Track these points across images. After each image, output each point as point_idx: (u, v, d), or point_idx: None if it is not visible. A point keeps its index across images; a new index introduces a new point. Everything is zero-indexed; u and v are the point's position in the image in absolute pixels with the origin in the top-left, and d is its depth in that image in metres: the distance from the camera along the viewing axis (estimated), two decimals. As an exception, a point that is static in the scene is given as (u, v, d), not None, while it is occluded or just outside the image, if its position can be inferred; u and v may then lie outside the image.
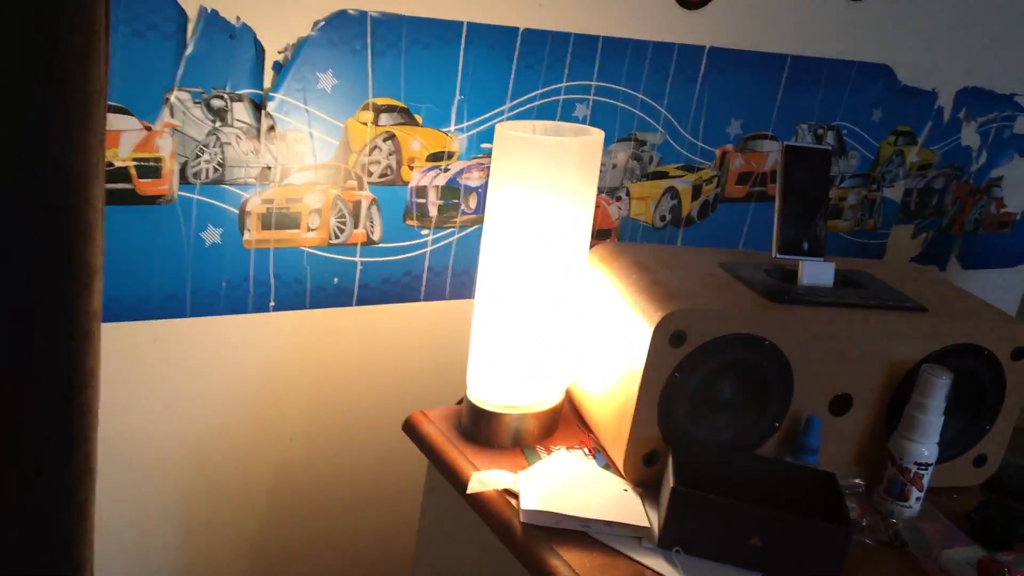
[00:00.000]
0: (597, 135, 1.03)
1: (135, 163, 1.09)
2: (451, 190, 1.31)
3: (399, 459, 1.40)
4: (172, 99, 1.09)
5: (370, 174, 1.25)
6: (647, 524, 0.95)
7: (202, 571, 1.34)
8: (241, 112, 1.14)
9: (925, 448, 1.02)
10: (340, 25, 1.15)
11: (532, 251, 1.02)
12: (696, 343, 0.97)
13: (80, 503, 0.74)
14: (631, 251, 1.15)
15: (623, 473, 1.03)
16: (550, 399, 1.10)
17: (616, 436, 1.03)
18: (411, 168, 1.27)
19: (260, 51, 1.12)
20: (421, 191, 1.29)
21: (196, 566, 1.33)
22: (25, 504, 0.71)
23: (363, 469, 1.41)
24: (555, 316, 1.06)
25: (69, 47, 0.63)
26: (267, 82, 1.14)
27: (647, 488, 1.02)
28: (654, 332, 0.95)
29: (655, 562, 0.91)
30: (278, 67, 1.14)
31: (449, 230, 1.33)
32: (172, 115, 1.10)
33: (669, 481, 0.92)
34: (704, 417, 1.01)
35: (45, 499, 0.71)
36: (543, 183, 0.99)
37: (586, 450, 1.09)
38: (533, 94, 1.32)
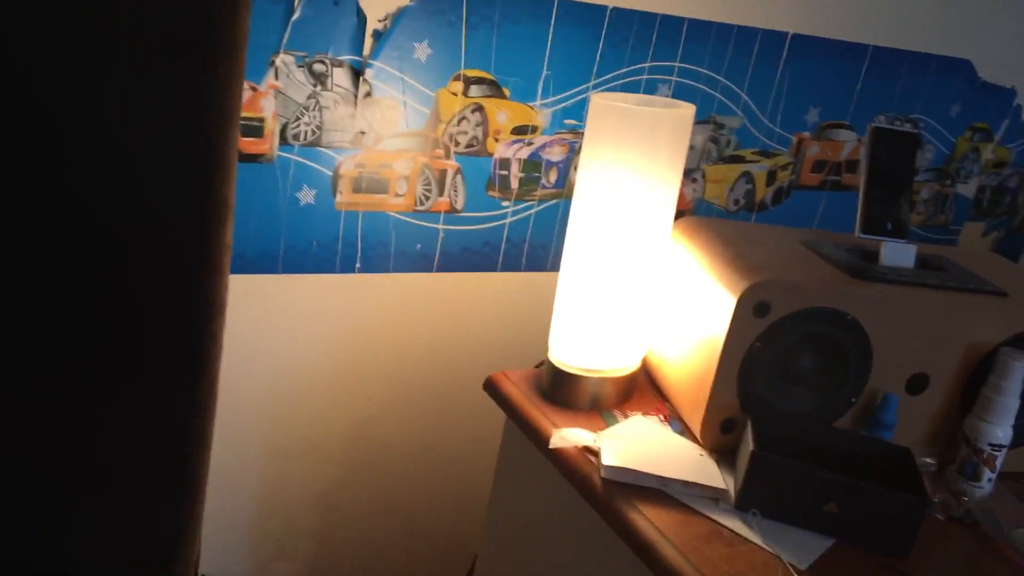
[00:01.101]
0: (688, 108, 1.05)
1: (240, 122, 1.14)
2: (533, 164, 1.35)
3: (472, 421, 1.45)
4: (277, 62, 1.14)
5: (457, 144, 1.28)
6: (724, 486, 0.97)
7: (278, 519, 1.39)
8: (340, 77, 1.18)
9: (1000, 430, 1.03)
10: (439, -2, 1.19)
11: (620, 219, 1.05)
12: (779, 314, 0.99)
13: (201, 427, 0.78)
14: (713, 226, 1.18)
15: (700, 439, 1.05)
16: (629, 365, 1.13)
17: (695, 403, 1.05)
18: (496, 140, 1.31)
19: (362, 19, 1.16)
20: (504, 163, 1.33)
21: (272, 514, 1.38)
22: (151, 423, 0.76)
23: (437, 429, 1.45)
24: (638, 284, 1.09)
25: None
26: (366, 49, 1.18)
27: (722, 455, 1.04)
28: (738, 302, 0.98)
29: (732, 522, 0.94)
30: (377, 35, 1.18)
31: (529, 203, 1.37)
32: (277, 77, 1.14)
33: (749, 445, 0.95)
34: (782, 388, 1.04)
35: (171, 418, 0.76)
36: (635, 152, 1.02)
37: (661, 417, 1.12)
38: (618, 72, 1.35)
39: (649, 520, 0.92)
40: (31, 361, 0.70)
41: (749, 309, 0.98)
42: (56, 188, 0.66)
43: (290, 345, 1.30)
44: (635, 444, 1.03)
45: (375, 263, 1.30)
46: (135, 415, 0.74)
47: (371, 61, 1.19)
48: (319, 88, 1.17)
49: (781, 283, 0.99)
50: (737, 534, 0.92)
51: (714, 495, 0.97)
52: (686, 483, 0.97)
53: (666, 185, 1.06)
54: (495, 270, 1.39)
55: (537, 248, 1.41)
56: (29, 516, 0.74)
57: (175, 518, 0.81)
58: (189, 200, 0.70)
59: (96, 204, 0.68)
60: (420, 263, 1.33)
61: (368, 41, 1.18)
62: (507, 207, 1.36)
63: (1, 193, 0.65)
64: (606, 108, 1.03)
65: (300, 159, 1.20)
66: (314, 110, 1.18)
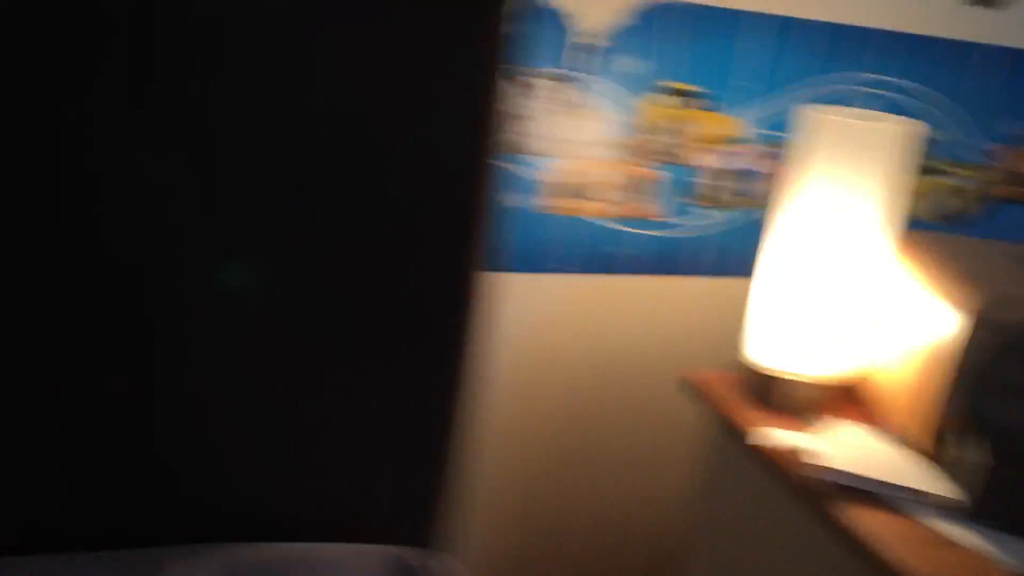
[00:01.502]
0: (913, 124, 1.04)
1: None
2: (731, 173, 1.37)
3: (663, 419, 1.47)
4: (494, 73, 1.20)
5: (656, 153, 1.32)
6: (950, 495, 0.96)
7: (479, 507, 1.46)
8: (548, 88, 1.24)
9: None
10: (642, 11, 1.23)
11: (834, 231, 1.06)
12: (1007, 329, 0.97)
13: (461, 405, 0.85)
14: (926, 239, 1.17)
15: (917, 449, 1.04)
16: (839, 372, 1.13)
17: (914, 414, 1.05)
18: (697, 150, 1.33)
19: (568, 32, 1.22)
20: (702, 172, 1.35)
21: (473, 502, 1.45)
22: (419, 400, 0.83)
23: (629, 426, 1.48)
24: (854, 294, 1.09)
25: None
26: (572, 61, 1.23)
27: (941, 465, 1.03)
28: (969, 318, 0.97)
29: (952, 529, 0.93)
30: (583, 48, 1.23)
31: (726, 211, 1.39)
32: (493, 87, 1.21)
33: (982, 459, 0.94)
34: (1005, 401, 1.01)
35: (435, 396, 0.83)
36: (852, 168, 1.03)
37: (872, 426, 1.11)
38: (819, 85, 1.35)
39: (867, 521, 0.92)
40: (357, 344, 0.81)
41: (978, 324, 0.97)
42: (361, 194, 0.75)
43: (492, 340, 1.36)
44: (847, 448, 1.03)
45: (571, 265, 1.35)
46: (406, 393, 0.81)
47: (577, 73, 1.24)
48: (527, 98, 1.23)
49: (1009, 298, 0.98)
50: (959, 542, 0.91)
51: (939, 503, 0.96)
52: (909, 489, 0.96)
53: (884, 202, 1.06)
54: (687, 274, 1.42)
55: (731, 254, 1.42)
56: (332, 477, 0.83)
57: (441, 481, 0.89)
58: (463, 205, 0.77)
59: (377, 202, 0.76)
60: (614, 266, 1.37)
61: (574, 54, 1.23)
62: (704, 215, 1.38)
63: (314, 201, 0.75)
64: (822, 122, 1.04)
65: (506, 165, 1.26)
66: (522, 119, 1.24)
